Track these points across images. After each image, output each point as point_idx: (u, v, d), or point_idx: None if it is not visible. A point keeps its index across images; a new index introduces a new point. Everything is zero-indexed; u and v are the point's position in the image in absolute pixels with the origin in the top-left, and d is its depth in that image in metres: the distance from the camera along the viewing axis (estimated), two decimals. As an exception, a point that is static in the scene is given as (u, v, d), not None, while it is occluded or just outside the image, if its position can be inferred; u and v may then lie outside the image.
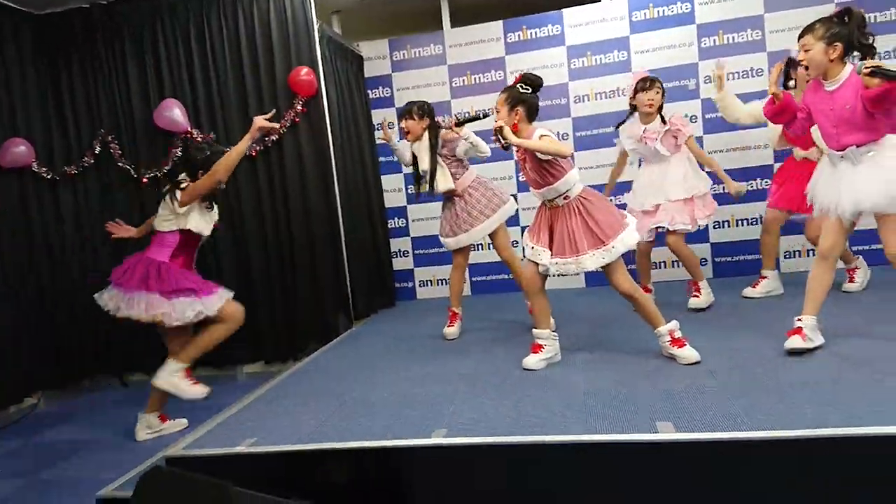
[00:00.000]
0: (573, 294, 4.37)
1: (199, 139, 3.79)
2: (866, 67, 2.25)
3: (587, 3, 4.50)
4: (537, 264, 2.71)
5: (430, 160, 3.36)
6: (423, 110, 3.41)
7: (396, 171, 4.86)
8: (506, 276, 4.45)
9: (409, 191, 4.86)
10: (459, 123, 3.09)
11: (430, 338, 3.54)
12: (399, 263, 4.95)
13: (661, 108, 3.40)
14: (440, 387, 2.60)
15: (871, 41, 2.43)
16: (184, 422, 3.25)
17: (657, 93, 3.34)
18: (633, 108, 3.45)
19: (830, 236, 2.55)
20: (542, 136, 2.57)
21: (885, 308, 3.11)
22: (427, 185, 3.41)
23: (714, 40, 4.28)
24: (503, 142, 2.56)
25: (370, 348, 3.48)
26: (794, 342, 2.48)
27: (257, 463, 2.06)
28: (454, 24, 4.74)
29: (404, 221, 4.91)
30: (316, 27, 3.97)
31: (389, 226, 4.93)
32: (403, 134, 3.48)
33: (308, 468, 2.01)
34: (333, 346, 3.67)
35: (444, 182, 3.38)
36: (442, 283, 4.88)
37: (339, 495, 1.98)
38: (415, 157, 3.47)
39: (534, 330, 2.79)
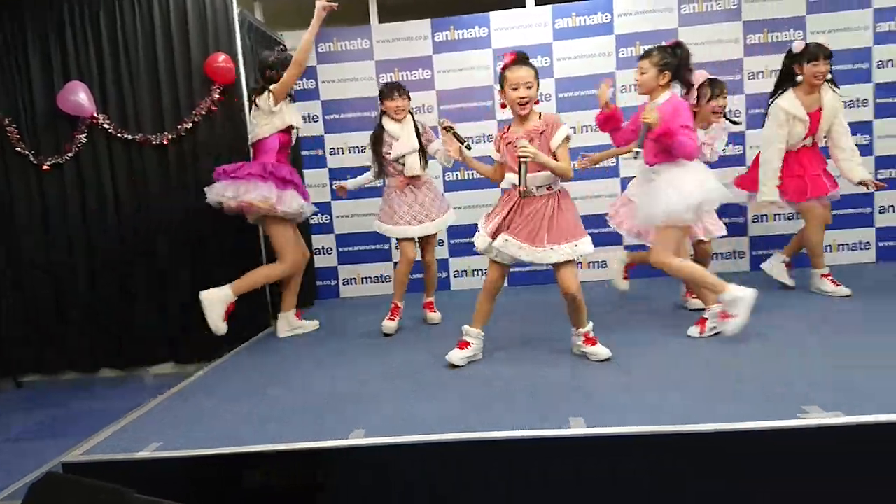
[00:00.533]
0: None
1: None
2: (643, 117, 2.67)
3: (513, 8, 4.58)
4: (503, 266, 2.68)
5: (416, 139, 3.38)
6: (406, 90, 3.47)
7: (320, 165, 4.77)
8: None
9: (334, 186, 4.77)
10: (449, 128, 2.90)
11: (352, 337, 3.50)
12: (322, 261, 4.85)
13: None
14: (361, 386, 2.58)
15: (690, 76, 2.87)
16: (315, 323, 3.71)
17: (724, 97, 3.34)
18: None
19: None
20: (567, 136, 2.59)
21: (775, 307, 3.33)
22: (424, 164, 3.41)
23: (631, 51, 4.46)
24: (524, 157, 2.48)
25: (289, 348, 3.40)
26: (693, 331, 2.87)
27: (162, 469, 1.96)
28: (382, 19, 4.70)
29: (328, 217, 4.82)
30: (236, 12, 3.83)
31: (312, 221, 4.82)
32: (393, 112, 3.40)
33: (218, 474, 1.94)
34: (251, 345, 3.56)
35: (415, 166, 3.38)
36: (367, 281, 4.83)
37: (252, 502, 1.91)
38: (380, 136, 3.44)
39: (465, 326, 2.79)
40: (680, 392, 2.19)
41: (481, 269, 4.64)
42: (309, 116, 4.75)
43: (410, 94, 3.54)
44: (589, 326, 2.70)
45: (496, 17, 4.57)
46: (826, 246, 3.87)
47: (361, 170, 4.63)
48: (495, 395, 2.33)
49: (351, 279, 4.86)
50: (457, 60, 4.57)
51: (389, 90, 3.43)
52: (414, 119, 3.48)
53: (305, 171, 4.76)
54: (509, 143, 2.63)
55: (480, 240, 2.69)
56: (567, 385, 2.38)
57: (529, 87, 2.53)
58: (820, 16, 4.31)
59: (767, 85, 3.83)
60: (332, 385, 2.64)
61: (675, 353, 2.68)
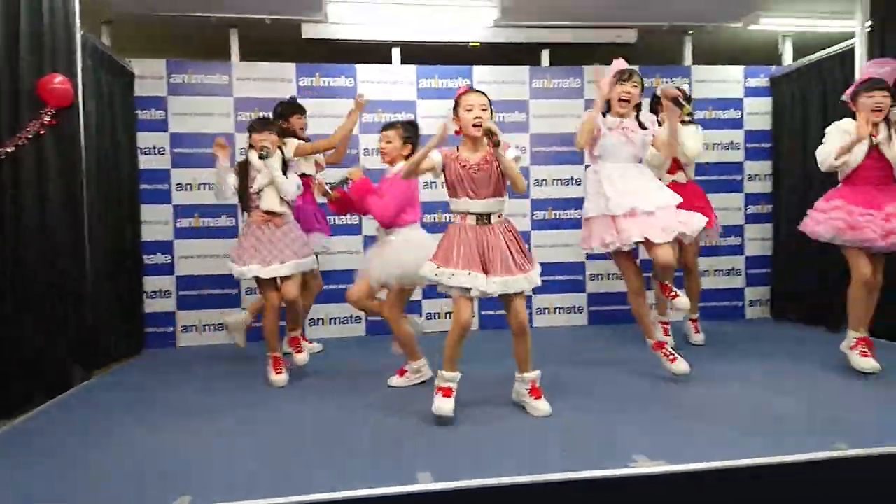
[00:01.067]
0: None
1: None
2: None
3: (378, 63, 4.68)
4: (471, 301, 2.53)
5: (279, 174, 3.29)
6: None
7: (163, 200, 4.43)
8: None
9: (178, 224, 4.45)
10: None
11: (186, 392, 3.20)
12: (157, 305, 4.44)
13: (639, 105, 3.14)
14: (191, 449, 2.34)
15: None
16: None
17: (635, 87, 3.07)
18: (608, 104, 3.14)
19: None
20: (517, 157, 2.60)
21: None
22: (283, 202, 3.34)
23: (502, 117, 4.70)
24: (492, 139, 2.47)
25: (109, 404, 3.00)
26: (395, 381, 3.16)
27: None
28: (244, 57, 4.58)
29: (169, 258, 4.46)
30: (79, 33, 3.51)
31: (151, 262, 4.43)
32: (258, 146, 3.29)
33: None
34: (62, 400, 3.09)
35: (271, 202, 3.29)
36: (209, 329, 4.49)
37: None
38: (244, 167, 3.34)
39: (441, 371, 2.59)
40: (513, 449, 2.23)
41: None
42: (154, 149, 4.43)
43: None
44: (536, 374, 2.65)
45: (363, 69, 4.64)
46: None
47: (212, 207, 4.45)
48: (339, 452, 2.23)
49: (191, 326, 4.49)
50: (322, 107, 4.54)
51: (257, 123, 3.37)
52: (283, 155, 3.38)
53: (146, 207, 4.40)
54: (465, 165, 2.57)
55: (480, 281, 2.49)
56: (413, 437, 2.34)
57: (484, 110, 2.56)
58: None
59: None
60: (154, 448, 2.36)
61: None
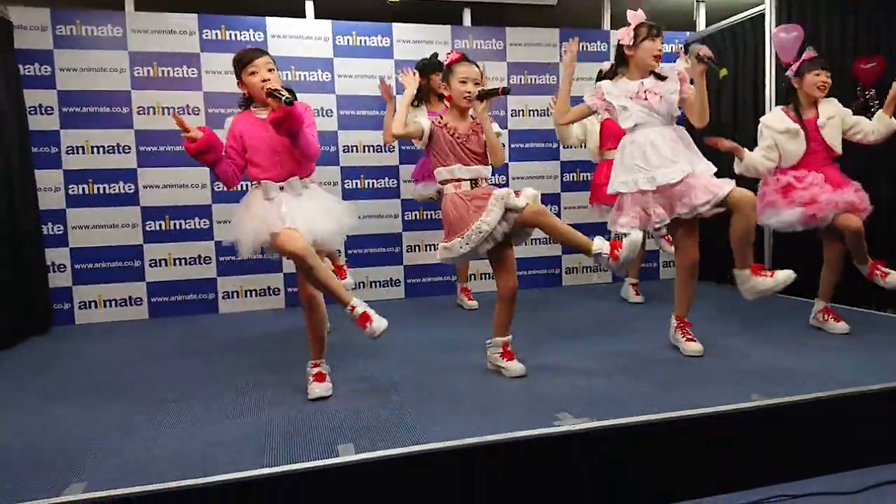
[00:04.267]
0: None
1: None
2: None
3: (292, 17, 4.40)
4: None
5: None
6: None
7: (53, 165, 4.01)
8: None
9: (70, 191, 4.05)
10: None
11: (84, 371, 2.93)
12: (53, 280, 4.05)
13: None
14: (86, 431, 2.12)
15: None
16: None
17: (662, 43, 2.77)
18: (624, 62, 2.83)
19: None
20: (498, 133, 2.61)
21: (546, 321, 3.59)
22: None
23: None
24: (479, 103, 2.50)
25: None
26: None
27: None
28: (138, 6, 4.17)
29: (62, 228, 4.06)
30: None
31: (44, 232, 4.02)
32: None
33: None
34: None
35: None
36: (109, 304, 4.15)
37: None
38: None
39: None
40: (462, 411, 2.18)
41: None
42: (41, 108, 3.99)
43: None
44: (508, 337, 2.62)
45: (273, 22, 4.33)
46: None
47: (110, 172, 4.08)
48: (250, 429, 2.08)
49: (90, 302, 4.14)
50: (228, 62, 4.21)
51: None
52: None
53: (36, 172, 3.96)
54: (454, 133, 2.55)
55: (457, 246, 2.46)
56: (337, 409, 2.23)
57: (477, 84, 2.54)
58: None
59: (528, 122, 4.25)
60: (47, 431, 2.13)
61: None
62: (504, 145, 4.74)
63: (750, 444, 2.07)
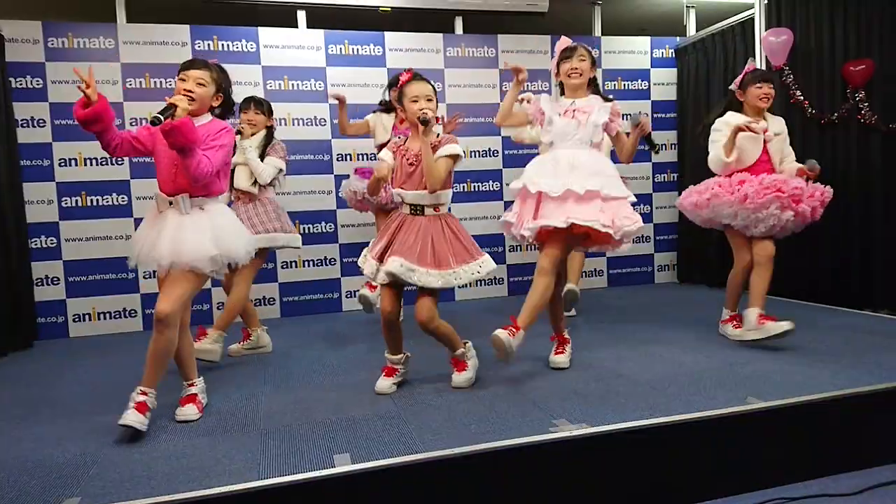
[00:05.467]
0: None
1: None
2: None
3: (284, 27, 4.41)
4: (389, 289, 2.47)
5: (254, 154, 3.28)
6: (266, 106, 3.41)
7: (45, 178, 4.00)
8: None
9: (63, 203, 4.04)
10: None
11: (78, 383, 2.91)
12: (46, 293, 4.03)
13: (594, 81, 2.82)
14: (82, 445, 2.10)
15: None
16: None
17: (581, 60, 2.73)
18: (561, 86, 2.86)
19: None
20: (454, 154, 2.46)
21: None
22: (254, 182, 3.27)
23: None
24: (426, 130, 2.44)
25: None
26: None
27: None
28: (131, 18, 4.18)
29: (55, 240, 4.04)
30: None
31: (35, 246, 4.01)
32: (246, 124, 3.33)
33: None
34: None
35: (240, 180, 3.27)
36: (104, 317, 4.13)
37: None
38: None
39: (388, 355, 2.58)
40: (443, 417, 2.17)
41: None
42: (33, 121, 3.98)
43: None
44: (460, 352, 2.59)
45: (265, 33, 4.35)
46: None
47: (103, 184, 4.07)
48: (246, 441, 2.07)
49: (84, 315, 4.12)
50: (220, 74, 4.24)
51: (244, 102, 3.36)
52: (270, 136, 3.38)
53: (26, 185, 3.96)
54: (404, 155, 2.52)
55: (368, 266, 2.52)
56: (332, 418, 2.22)
57: (429, 100, 2.49)
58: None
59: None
60: (40, 446, 2.12)
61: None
62: (497, 151, 4.78)
63: (746, 447, 2.07)
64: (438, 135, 2.54)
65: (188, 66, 2.30)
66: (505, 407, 2.25)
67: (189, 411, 2.31)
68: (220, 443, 2.05)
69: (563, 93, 2.83)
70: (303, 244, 4.36)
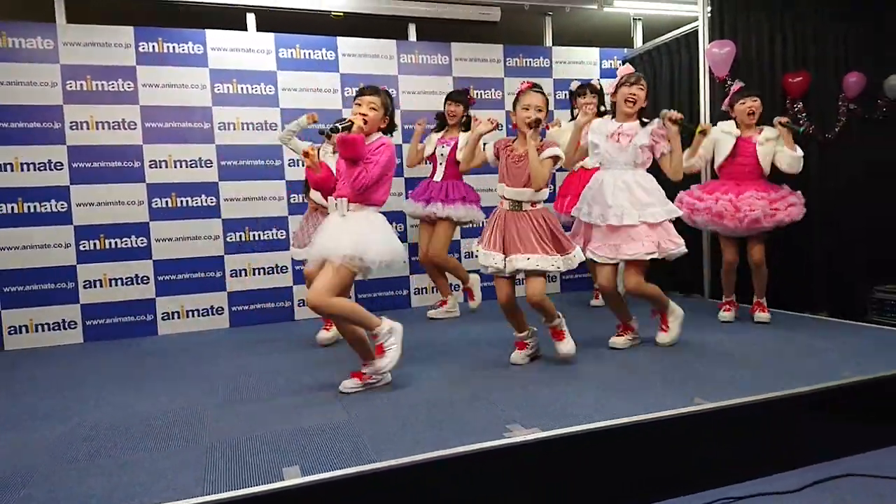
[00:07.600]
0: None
1: None
2: None
3: (232, 30, 4.33)
4: (508, 279, 2.79)
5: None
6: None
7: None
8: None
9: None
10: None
11: (12, 398, 2.76)
12: (-23, 304, 3.82)
13: (643, 110, 3.07)
14: (15, 460, 2.00)
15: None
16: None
17: (641, 89, 3.02)
18: (613, 106, 3.15)
19: None
20: (555, 156, 2.76)
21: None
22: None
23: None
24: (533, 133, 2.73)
25: None
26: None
27: None
28: (70, 18, 4.02)
29: (-13, 250, 3.83)
30: None
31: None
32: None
33: None
34: None
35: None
36: (41, 329, 3.93)
37: None
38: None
39: (516, 333, 2.92)
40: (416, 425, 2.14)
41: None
42: (-36, 124, 3.78)
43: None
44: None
45: (213, 35, 4.25)
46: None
47: (41, 190, 3.89)
48: (193, 453, 2.00)
49: (21, 327, 3.91)
50: (167, 75, 4.12)
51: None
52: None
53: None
54: (509, 155, 2.82)
55: (497, 259, 2.76)
56: (284, 428, 2.16)
57: (539, 111, 2.75)
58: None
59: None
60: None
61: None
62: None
63: (695, 447, 2.12)
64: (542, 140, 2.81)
65: (362, 92, 2.65)
66: (459, 412, 2.24)
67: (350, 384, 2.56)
68: (162, 458, 1.97)
69: (613, 115, 3.15)
70: (253, 251, 4.34)
